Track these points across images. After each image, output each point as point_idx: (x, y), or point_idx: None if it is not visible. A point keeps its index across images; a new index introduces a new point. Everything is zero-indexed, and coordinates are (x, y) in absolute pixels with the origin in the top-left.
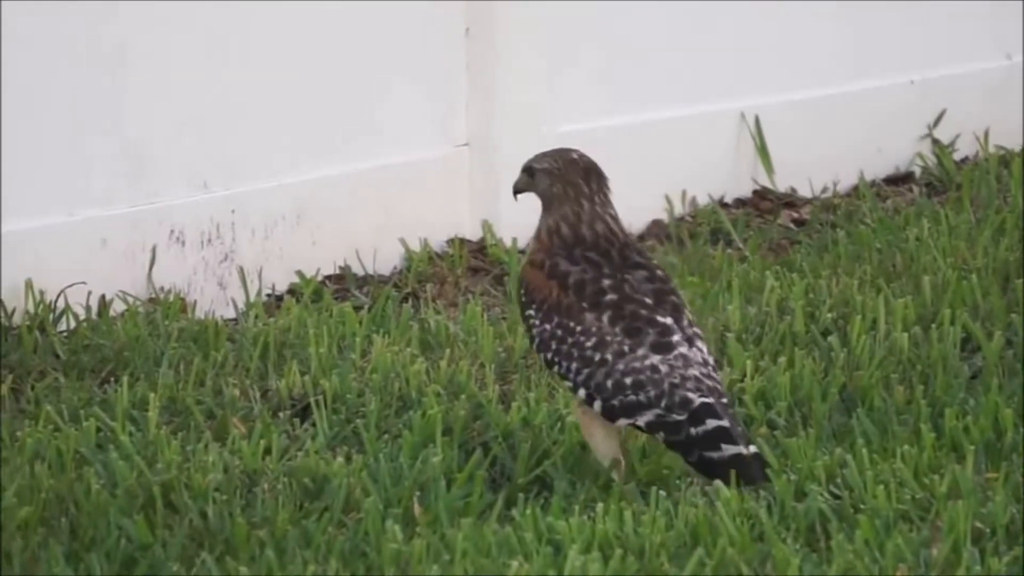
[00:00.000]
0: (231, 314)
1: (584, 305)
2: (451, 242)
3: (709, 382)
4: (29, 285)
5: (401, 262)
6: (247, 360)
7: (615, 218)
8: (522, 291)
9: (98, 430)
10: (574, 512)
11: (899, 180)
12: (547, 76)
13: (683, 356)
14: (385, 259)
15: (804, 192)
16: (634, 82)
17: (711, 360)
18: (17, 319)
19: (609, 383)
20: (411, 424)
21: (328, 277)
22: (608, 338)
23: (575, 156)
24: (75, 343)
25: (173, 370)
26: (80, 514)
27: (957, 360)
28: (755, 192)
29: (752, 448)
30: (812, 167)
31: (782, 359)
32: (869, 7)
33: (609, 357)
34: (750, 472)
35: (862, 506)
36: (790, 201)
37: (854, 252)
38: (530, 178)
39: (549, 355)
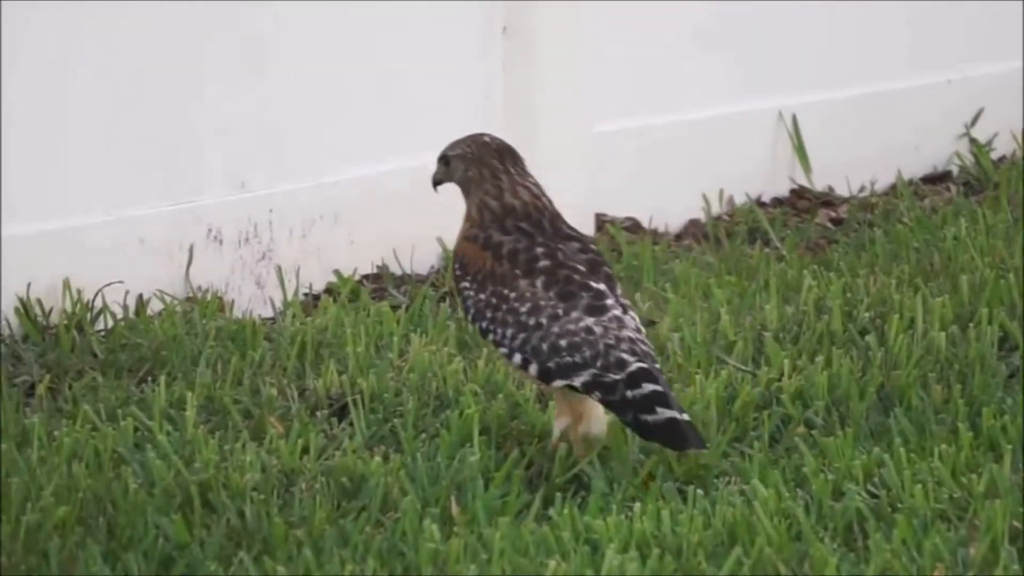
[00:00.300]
0: (269, 313)
1: (518, 272)
2: None
3: (643, 346)
4: (67, 284)
5: (438, 261)
6: (285, 359)
7: (537, 185)
8: (456, 266)
9: (136, 429)
10: (612, 511)
11: (937, 179)
12: (584, 75)
13: (617, 318)
14: (422, 258)
15: (841, 191)
16: (671, 81)
17: (643, 329)
18: (55, 318)
19: (544, 346)
20: (448, 423)
21: (366, 276)
22: (542, 303)
23: (487, 139)
24: (113, 342)
25: (211, 369)
26: (117, 513)
27: (994, 359)
28: (792, 191)
29: (685, 415)
30: (849, 166)
31: (820, 358)
32: (906, 6)
33: (544, 321)
34: (685, 437)
35: (900, 505)
36: (827, 200)
37: (892, 251)
38: (446, 167)
39: (484, 324)
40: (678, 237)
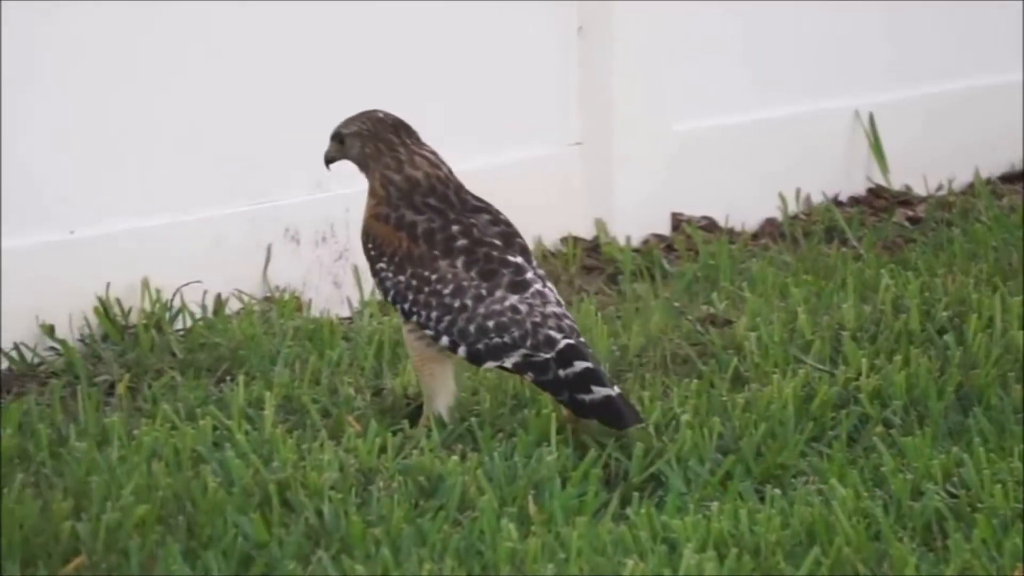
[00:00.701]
0: (346, 313)
1: (436, 253)
2: (565, 240)
3: (567, 321)
4: (146, 284)
5: None
6: (362, 359)
7: (434, 153)
8: (370, 245)
9: (214, 428)
10: (689, 511)
11: (1015, 178)
12: (660, 75)
13: (539, 293)
14: None
15: (919, 190)
16: (747, 80)
17: (562, 301)
18: (134, 318)
19: (472, 328)
20: (525, 423)
21: None
22: (465, 283)
23: (381, 115)
24: (191, 342)
25: (288, 369)
26: (197, 512)
27: None
28: (869, 190)
29: (617, 389)
30: (927, 165)
31: (898, 357)
32: (982, 5)
33: (469, 302)
34: (622, 414)
35: (979, 505)
36: (905, 199)
37: (970, 250)
38: (340, 145)
39: (407, 306)
40: (755, 236)
